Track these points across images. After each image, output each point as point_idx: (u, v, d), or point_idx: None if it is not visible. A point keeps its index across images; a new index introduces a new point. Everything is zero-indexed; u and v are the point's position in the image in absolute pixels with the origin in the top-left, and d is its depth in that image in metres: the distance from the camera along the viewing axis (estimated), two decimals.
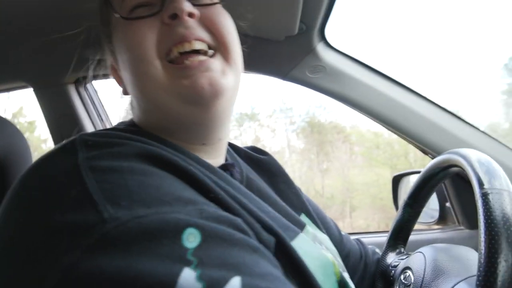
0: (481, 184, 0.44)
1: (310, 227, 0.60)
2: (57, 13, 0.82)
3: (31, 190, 0.36)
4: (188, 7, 0.46)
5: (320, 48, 0.97)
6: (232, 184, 0.49)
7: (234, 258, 0.32)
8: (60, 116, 1.26)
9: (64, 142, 0.42)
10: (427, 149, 0.96)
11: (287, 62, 1.00)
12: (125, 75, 0.52)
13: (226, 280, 0.29)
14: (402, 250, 0.72)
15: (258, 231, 0.40)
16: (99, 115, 1.37)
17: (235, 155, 0.66)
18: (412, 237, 0.73)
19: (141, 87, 0.50)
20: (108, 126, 1.39)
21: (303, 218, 0.63)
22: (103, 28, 0.56)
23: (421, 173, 0.67)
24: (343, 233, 0.75)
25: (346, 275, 0.56)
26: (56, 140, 1.28)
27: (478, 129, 0.96)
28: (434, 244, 0.61)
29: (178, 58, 0.46)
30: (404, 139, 1.00)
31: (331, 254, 0.55)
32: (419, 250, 0.60)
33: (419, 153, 1.04)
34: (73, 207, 0.33)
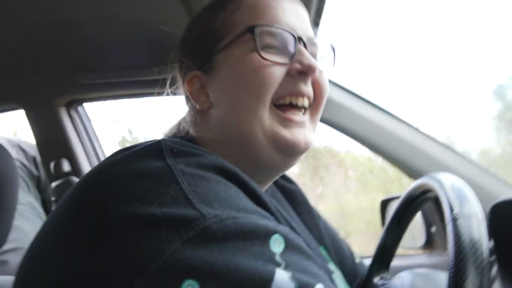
0: (451, 209, 0.45)
1: (330, 263, 0.62)
2: (49, 36, 0.85)
3: (125, 182, 0.37)
4: (316, 66, 0.50)
5: None
6: (281, 210, 0.51)
7: (312, 269, 0.35)
8: (51, 138, 1.27)
9: (144, 144, 0.44)
10: (410, 173, 0.98)
11: None
12: (224, 99, 0.53)
13: (313, 285, 0.32)
14: (385, 274, 0.72)
15: None
16: (89, 138, 1.38)
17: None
18: (399, 262, 0.74)
19: (241, 120, 0.52)
20: (98, 149, 1.39)
21: (322, 251, 0.64)
22: (195, 52, 0.57)
23: (401, 197, 0.69)
24: (357, 260, 0.76)
25: None
26: (45, 161, 1.28)
27: (455, 151, 0.98)
28: (414, 269, 0.61)
29: (284, 107, 0.51)
30: (390, 163, 1.02)
31: None
32: (398, 275, 0.61)
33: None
34: (171, 203, 0.34)
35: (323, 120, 1.04)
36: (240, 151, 0.52)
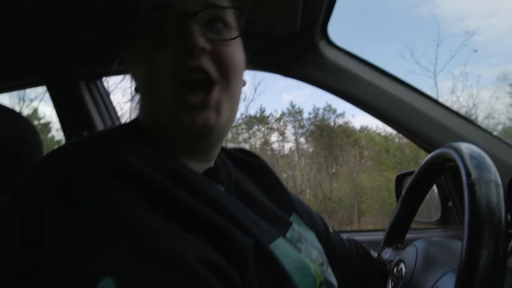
0: (468, 174, 0.44)
1: (297, 226, 0.63)
2: (70, 8, 0.85)
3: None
4: (200, 42, 0.50)
5: (322, 45, 0.99)
6: (213, 189, 0.54)
7: None
8: (72, 112, 1.30)
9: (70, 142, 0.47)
10: (426, 145, 0.97)
11: (290, 59, 1.01)
12: (140, 86, 0.56)
13: None
14: (399, 245, 0.72)
15: (236, 234, 0.42)
16: (108, 112, 1.40)
17: (226, 158, 0.69)
18: (414, 235, 0.73)
19: (149, 105, 0.55)
20: (117, 124, 1.42)
21: (293, 217, 0.66)
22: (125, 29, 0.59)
23: (417, 169, 0.68)
24: (331, 230, 0.78)
25: (329, 272, 0.60)
26: (67, 136, 1.31)
27: (476, 124, 0.95)
28: (428, 238, 0.61)
29: (188, 85, 0.51)
30: (405, 135, 1.00)
31: (316, 252, 0.60)
32: (412, 243, 0.61)
33: None
34: None
35: (337, 93, 1.02)
36: (163, 127, 0.53)
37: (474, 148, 0.51)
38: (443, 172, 0.64)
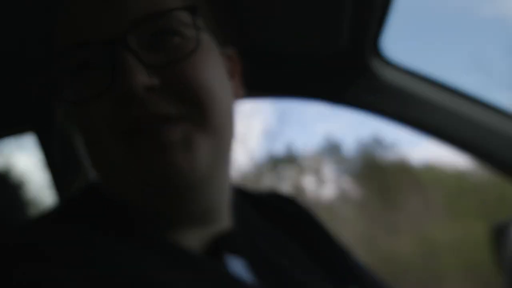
0: None
1: None
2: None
3: None
4: (141, 82, 0.43)
5: (376, 64, 1.03)
6: (223, 278, 0.48)
7: None
8: (64, 160, 1.38)
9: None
10: None
11: (337, 84, 1.05)
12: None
13: None
14: None
15: None
16: None
17: (249, 208, 0.64)
18: None
19: (96, 168, 0.52)
20: None
21: None
22: None
23: None
24: None
25: None
26: (59, 189, 1.38)
27: None
28: None
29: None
30: (489, 167, 1.00)
31: None
32: None
33: None
34: None
35: (400, 120, 1.05)
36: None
37: None
38: None
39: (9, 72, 1.02)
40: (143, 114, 0.45)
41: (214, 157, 0.48)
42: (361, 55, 0.99)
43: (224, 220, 0.55)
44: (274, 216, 0.65)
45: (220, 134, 0.50)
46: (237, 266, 0.51)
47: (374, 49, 1.00)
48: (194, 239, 0.51)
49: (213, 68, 0.50)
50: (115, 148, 0.46)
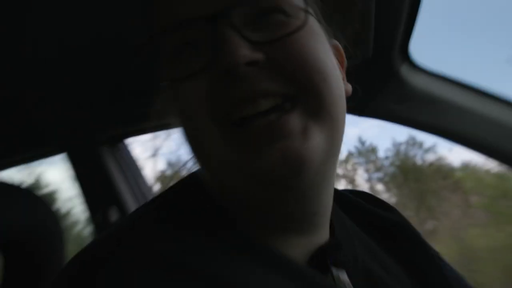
0: None
1: None
2: (84, 66, 0.95)
3: None
4: (245, 56, 0.40)
5: (405, 70, 1.00)
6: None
7: None
8: (96, 184, 1.40)
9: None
10: None
11: (363, 93, 1.02)
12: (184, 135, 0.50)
13: None
14: None
15: None
16: (134, 176, 1.49)
17: (343, 215, 0.60)
18: None
19: (197, 158, 0.49)
20: (144, 189, 1.49)
21: None
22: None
23: None
24: None
25: None
26: (92, 212, 1.40)
27: None
28: None
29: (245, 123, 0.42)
30: None
31: None
32: None
33: None
34: None
35: (432, 130, 1.01)
36: (227, 197, 0.48)
37: None
38: None
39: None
40: (246, 91, 0.41)
41: (328, 151, 0.44)
42: (388, 62, 0.96)
43: (327, 227, 0.52)
44: (368, 221, 0.63)
45: (335, 125, 0.45)
46: (344, 281, 0.48)
47: (402, 54, 0.97)
48: (298, 248, 0.48)
49: (324, 51, 0.46)
50: (218, 139, 0.43)
